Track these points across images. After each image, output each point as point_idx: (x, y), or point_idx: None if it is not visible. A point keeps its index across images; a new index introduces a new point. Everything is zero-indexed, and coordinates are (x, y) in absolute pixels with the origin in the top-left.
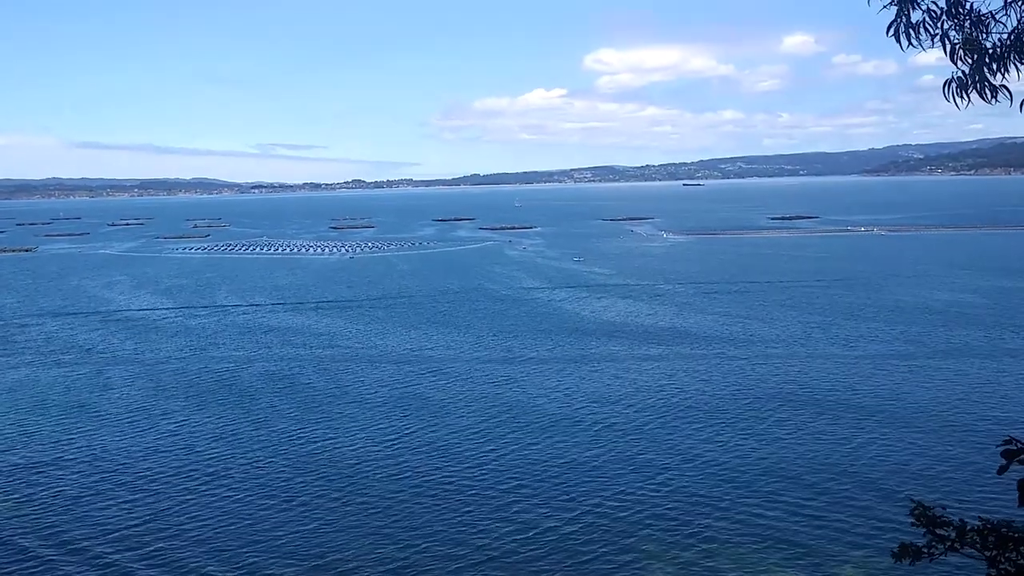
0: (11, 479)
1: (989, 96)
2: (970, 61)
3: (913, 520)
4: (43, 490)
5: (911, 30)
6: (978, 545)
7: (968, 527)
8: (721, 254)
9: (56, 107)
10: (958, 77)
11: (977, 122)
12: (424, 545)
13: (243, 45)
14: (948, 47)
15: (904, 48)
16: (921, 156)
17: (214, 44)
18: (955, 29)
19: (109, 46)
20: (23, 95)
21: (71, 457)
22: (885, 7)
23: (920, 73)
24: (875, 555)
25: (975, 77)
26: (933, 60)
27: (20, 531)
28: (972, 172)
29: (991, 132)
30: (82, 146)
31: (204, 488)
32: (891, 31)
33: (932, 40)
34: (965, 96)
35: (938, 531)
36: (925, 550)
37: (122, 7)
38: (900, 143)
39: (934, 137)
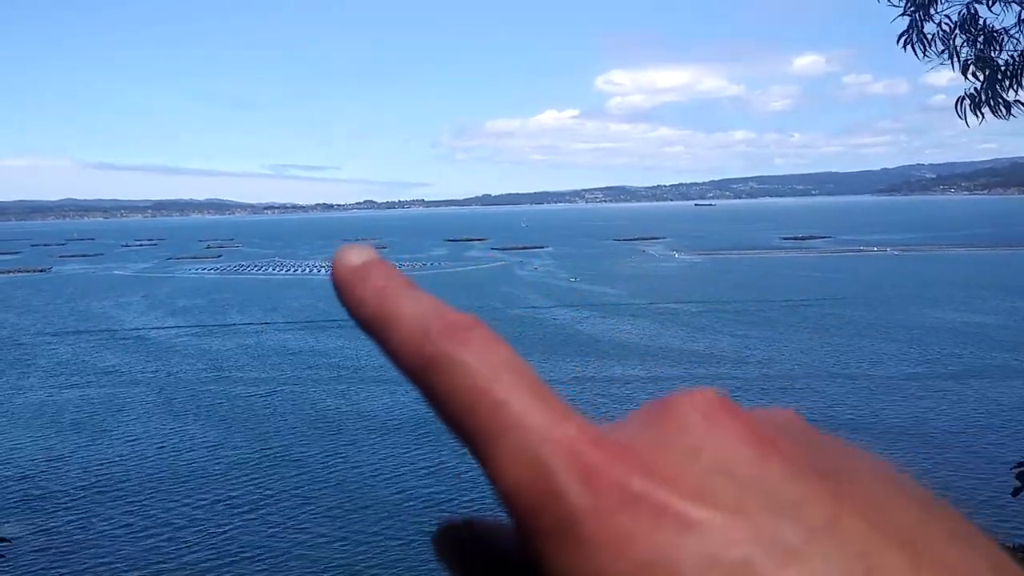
0: (41, 505)
1: (1003, 112)
2: (982, 77)
3: None
4: (72, 516)
5: (923, 41)
6: None
7: None
8: (734, 274)
9: (72, 129)
10: (971, 93)
11: (990, 141)
12: (431, 567)
13: (257, 67)
14: (960, 62)
15: (920, 58)
16: (934, 175)
17: (228, 66)
18: (968, 44)
19: (125, 69)
20: (40, 118)
21: (94, 484)
22: (898, 17)
23: (932, 92)
24: None
25: (988, 93)
26: (945, 80)
27: (50, 565)
28: (986, 191)
29: (1004, 151)
30: (97, 167)
31: (231, 516)
32: (902, 40)
33: (944, 54)
34: (978, 113)
35: None
36: None
37: (136, 30)
38: (913, 162)
39: (947, 156)
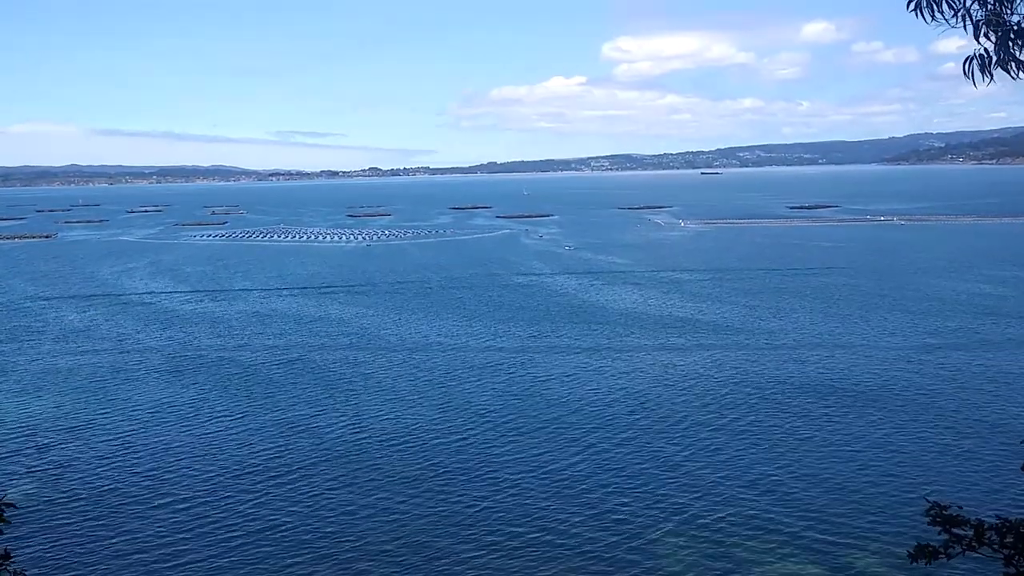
0: (53, 473)
1: (1015, 72)
2: (995, 38)
3: (928, 520)
4: (84, 484)
5: (933, 4)
6: (996, 544)
7: (986, 526)
8: (740, 243)
9: (78, 95)
10: (980, 54)
11: (999, 110)
12: (443, 533)
13: (262, 34)
14: (971, 24)
15: (928, 22)
16: (942, 145)
17: (234, 33)
18: (979, 4)
19: (130, 36)
20: (45, 84)
21: (108, 454)
22: None
23: (942, 60)
24: (893, 549)
25: (1000, 54)
26: (954, 48)
27: (63, 532)
28: (994, 161)
29: (1013, 121)
30: (102, 133)
31: (231, 480)
32: (911, 5)
33: (956, 16)
34: (988, 74)
35: (955, 530)
36: (942, 550)
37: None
38: (921, 131)
39: (956, 125)
